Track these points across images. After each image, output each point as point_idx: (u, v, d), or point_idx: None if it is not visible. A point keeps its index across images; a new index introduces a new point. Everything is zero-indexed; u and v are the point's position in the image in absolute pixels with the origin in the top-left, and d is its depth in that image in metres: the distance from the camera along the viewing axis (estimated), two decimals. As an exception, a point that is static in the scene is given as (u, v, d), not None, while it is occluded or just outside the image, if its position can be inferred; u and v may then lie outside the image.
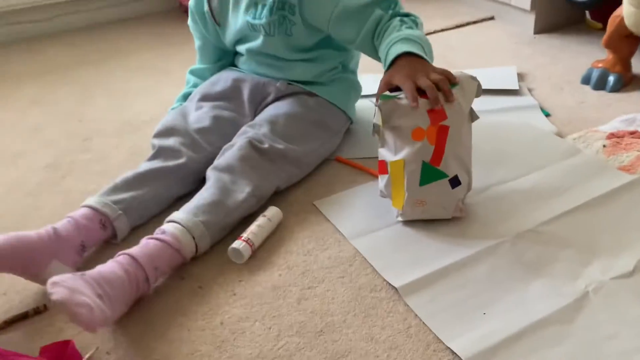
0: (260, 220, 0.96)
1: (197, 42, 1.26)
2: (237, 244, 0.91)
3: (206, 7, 1.16)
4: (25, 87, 1.66)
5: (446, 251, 0.90)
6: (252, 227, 0.94)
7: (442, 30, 1.84)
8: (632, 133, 1.14)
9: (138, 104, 1.51)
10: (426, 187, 0.91)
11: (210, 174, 1.00)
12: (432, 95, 0.86)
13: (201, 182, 1.01)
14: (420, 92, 0.88)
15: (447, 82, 0.88)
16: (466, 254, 0.88)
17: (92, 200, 0.93)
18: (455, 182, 0.92)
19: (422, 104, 0.88)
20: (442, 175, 0.91)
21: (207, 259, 0.93)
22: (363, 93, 1.33)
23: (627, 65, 1.38)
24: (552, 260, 0.86)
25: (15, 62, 1.87)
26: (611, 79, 1.35)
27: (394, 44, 0.95)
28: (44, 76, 1.73)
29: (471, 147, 0.95)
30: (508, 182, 1.05)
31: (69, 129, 1.40)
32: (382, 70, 0.97)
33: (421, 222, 0.96)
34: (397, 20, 1.00)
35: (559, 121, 1.24)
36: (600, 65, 1.39)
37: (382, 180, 0.96)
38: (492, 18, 1.89)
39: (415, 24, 1.01)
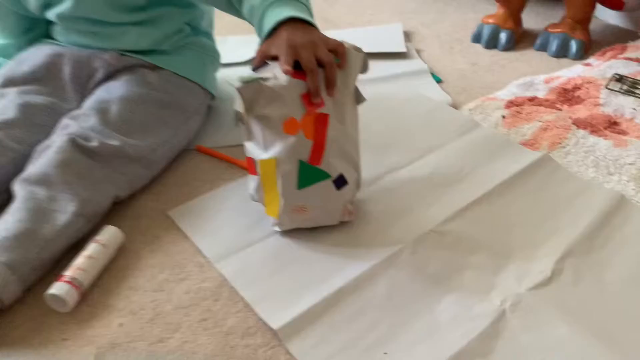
0: (91, 249, 0.72)
1: None
2: (57, 287, 0.67)
3: None
4: None
5: (335, 269, 0.72)
6: (79, 261, 0.70)
7: (318, -18, 1.62)
8: (531, 99, 1.02)
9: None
10: (306, 190, 0.72)
11: (19, 189, 0.73)
12: (313, 84, 0.66)
13: (7, 199, 0.75)
14: (298, 69, 0.67)
15: (335, 68, 0.68)
16: (359, 271, 0.71)
17: None
18: (340, 181, 0.73)
19: (295, 85, 0.67)
20: (324, 175, 0.71)
21: (17, 311, 0.68)
22: (226, 60, 1.10)
23: (518, 21, 1.26)
24: (460, 269, 0.71)
25: None
26: (503, 36, 1.23)
27: (272, 5, 0.73)
28: None
29: (358, 136, 0.76)
30: (402, 169, 0.89)
31: None
32: (251, 32, 0.73)
33: (303, 230, 0.77)
34: None
35: (451, 88, 1.10)
36: (490, 20, 1.25)
37: (251, 182, 0.75)
38: (371, -33, 1.70)
39: None
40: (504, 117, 0.98)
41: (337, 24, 1.37)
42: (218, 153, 0.93)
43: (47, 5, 0.87)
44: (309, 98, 0.67)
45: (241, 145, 0.76)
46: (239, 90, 0.68)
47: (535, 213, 0.80)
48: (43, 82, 0.87)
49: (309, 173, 0.70)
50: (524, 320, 0.65)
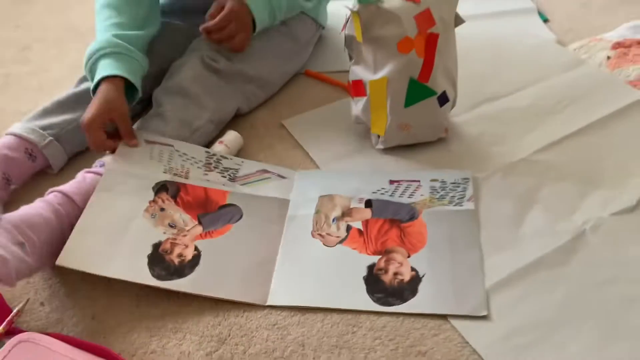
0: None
1: None
2: None
3: None
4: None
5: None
6: None
7: None
8: (641, 42, 1.01)
9: (84, 5, 1.32)
10: (412, 108, 0.79)
11: (160, 97, 0.86)
12: None
13: (149, 98, 0.87)
14: None
15: None
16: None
17: (16, 127, 0.80)
18: (443, 99, 0.80)
19: (409, 7, 0.73)
20: (431, 92, 0.78)
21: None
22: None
23: (638, -38, 1.21)
24: (547, 192, 0.76)
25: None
26: (620, -24, 1.19)
27: None
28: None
29: (457, 56, 0.82)
30: (502, 98, 0.93)
31: (4, 36, 1.23)
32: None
33: (399, 148, 0.84)
34: None
35: (558, 27, 1.10)
36: (608, -39, 1.22)
37: (356, 103, 0.83)
38: None
39: None
40: (608, 57, 0.99)
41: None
42: (325, 76, 1.01)
43: None
44: (421, 18, 0.73)
45: (345, 71, 0.84)
46: (358, 12, 0.75)
47: (630, 149, 0.82)
48: (182, 12, 0.98)
49: (416, 91, 0.77)
50: (603, 239, 0.69)
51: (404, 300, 0.65)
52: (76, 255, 0.66)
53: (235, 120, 0.91)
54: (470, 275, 0.66)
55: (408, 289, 0.66)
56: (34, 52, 1.17)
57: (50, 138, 0.80)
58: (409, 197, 0.76)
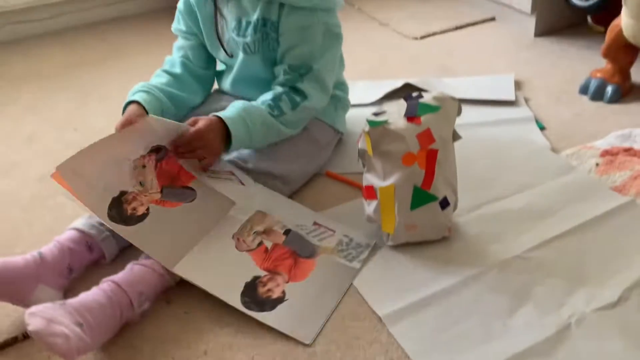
0: None
1: (183, 42, 1.19)
2: None
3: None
4: (21, 91, 1.66)
5: (432, 278, 0.89)
6: None
7: (442, 31, 1.81)
8: (627, 150, 1.13)
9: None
10: (417, 211, 0.91)
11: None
12: None
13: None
14: (411, 115, 0.88)
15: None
16: (452, 280, 0.88)
17: (79, 223, 0.94)
18: (444, 203, 0.92)
19: (412, 128, 0.88)
20: (433, 198, 0.91)
21: (194, 282, 0.93)
22: (355, 102, 1.32)
23: (626, 76, 1.35)
24: (538, 288, 0.86)
25: (11, 64, 1.87)
26: (609, 89, 1.33)
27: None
28: (40, 80, 1.73)
29: (456, 167, 0.95)
30: (500, 200, 1.05)
31: (64, 138, 1.41)
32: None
33: (408, 245, 0.96)
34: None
35: (553, 135, 1.23)
36: (598, 74, 1.37)
37: (369, 205, 0.96)
38: (492, 19, 1.86)
39: (294, 104, 1.05)
40: (597, 164, 1.10)
41: (455, 71, 1.55)
42: (344, 177, 1.15)
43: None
44: (423, 136, 0.87)
45: (362, 173, 0.98)
46: (368, 132, 0.89)
47: (614, 249, 0.92)
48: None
49: (420, 196, 0.90)
50: (586, 333, 0.78)
51: (261, 310, 0.84)
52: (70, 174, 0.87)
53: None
54: (319, 314, 0.84)
55: (269, 303, 0.85)
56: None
57: (107, 233, 0.94)
58: (318, 240, 0.96)
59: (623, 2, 1.22)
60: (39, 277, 0.86)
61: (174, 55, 1.19)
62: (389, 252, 0.96)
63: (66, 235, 0.92)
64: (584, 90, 1.38)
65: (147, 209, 0.91)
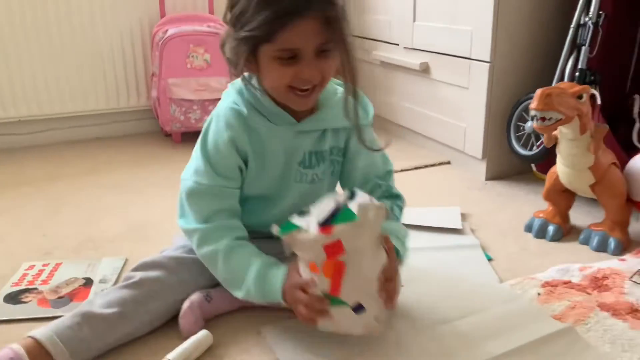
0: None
1: (222, 199, 1.05)
2: None
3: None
4: (-2, 197, 1.71)
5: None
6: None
7: (402, 170, 1.97)
8: (566, 283, 1.22)
9: (104, 221, 1.56)
10: (334, 309, 0.93)
11: None
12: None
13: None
14: (325, 225, 0.88)
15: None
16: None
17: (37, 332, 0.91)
18: (358, 308, 0.92)
19: (319, 239, 0.88)
20: (343, 303, 0.92)
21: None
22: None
23: (565, 217, 1.48)
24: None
25: (-8, 172, 1.94)
26: (550, 229, 1.45)
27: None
28: (19, 187, 1.79)
29: (376, 275, 0.93)
30: (446, 323, 1.09)
31: (31, 242, 1.43)
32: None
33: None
34: (389, 202, 1.12)
35: (500, 266, 1.32)
36: (541, 215, 1.49)
37: None
38: (448, 163, 2.04)
39: (401, 209, 1.14)
40: (539, 294, 1.18)
41: (409, 204, 1.66)
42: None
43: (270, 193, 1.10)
44: (330, 249, 0.88)
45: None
46: (279, 236, 0.91)
47: (552, 373, 0.96)
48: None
49: (332, 299, 0.92)
50: None
51: None
52: None
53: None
54: None
55: None
56: (53, 257, 1.36)
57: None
58: None
59: (557, 152, 1.38)
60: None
61: (215, 215, 1.04)
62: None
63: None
64: (528, 228, 1.49)
65: None
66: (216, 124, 1.03)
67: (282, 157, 1.06)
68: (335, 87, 1.10)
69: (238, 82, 1.04)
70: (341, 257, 0.90)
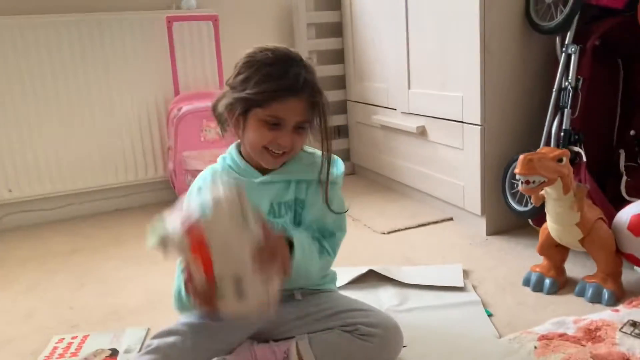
0: None
1: None
2: None
3: None
4: (25, 272, 1.83)
5: None
6: None
7: (406, 228, 2.06)
8: (561, 335, 1.28)
9: (126, 292, 1.66)
10: (220, 299, 0.98)
11: None
12: None
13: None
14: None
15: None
16: None
17: None
18: (239, 289, 0.96)
19: (182, 238, 0.94)
20: (223, 285, 0.96)
21: None
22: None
23: (560, 270, 1.56)
24: None
25: (19, 247, 2.08)
26: (547, 282, 1.53)
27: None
28: (43, 263, 1.92)
29: (247, 254, 0.96)
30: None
31: (59, 315, 1.54)
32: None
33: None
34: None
35: (500, 322, 1.39)
36: (537, 269, 1.57)
37: None
38: (451, 219, 2.13)
39: (328, 253, 1.20)
40: (535, 347, 1.25)
41: (415, 262, 1.76)
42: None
43: None
44: (193, 244, 0.94)
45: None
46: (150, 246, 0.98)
47: None
48: None
49: (216, 290, 0.97)
50: None
51: None
52: None
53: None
54: None
55: None
56: (80, 330, 1.46)
57: None
58: None
59: (545, 210, 1.48)
60: None
61: None
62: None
63: None
64: (526, 282, 1.57)
65: None
66: (196, 180, 1.22)
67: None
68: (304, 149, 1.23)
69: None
70: (206, 247, 0.94)
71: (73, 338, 1.39)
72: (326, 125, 1.14)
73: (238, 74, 1.12)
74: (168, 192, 2.52)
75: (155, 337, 1.13)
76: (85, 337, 1.39)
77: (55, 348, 1.35)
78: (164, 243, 0.96)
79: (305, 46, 2.61)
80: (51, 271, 1.84)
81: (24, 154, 2.27)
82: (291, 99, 1.08)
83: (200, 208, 0.94)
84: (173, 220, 0.96)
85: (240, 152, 1.20)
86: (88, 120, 2.35)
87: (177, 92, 2.42)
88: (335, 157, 1.22)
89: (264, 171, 1.18)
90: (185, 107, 2.27)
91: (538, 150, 1.43)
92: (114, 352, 1.31)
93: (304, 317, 1.19)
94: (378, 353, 1.11)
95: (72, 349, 1.34)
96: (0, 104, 2.21)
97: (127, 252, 1.96)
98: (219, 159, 1.24)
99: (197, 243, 0.94)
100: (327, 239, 1.21)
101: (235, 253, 0.96)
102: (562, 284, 1.54)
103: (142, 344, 1.34)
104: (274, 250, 1.01)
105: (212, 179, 1.07)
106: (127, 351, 1.31)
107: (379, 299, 1.50)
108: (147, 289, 1.66)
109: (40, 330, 1.46)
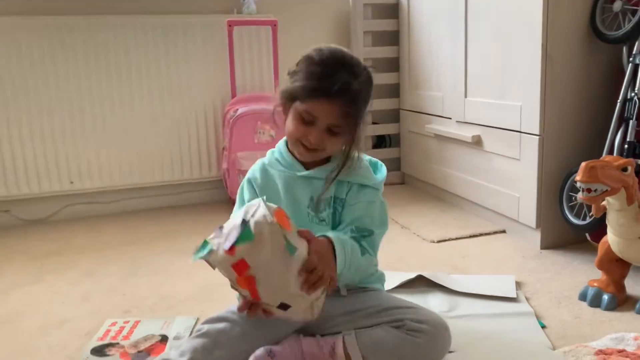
0: None
1: None
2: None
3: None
4: (82, 259, 1.90)
5: None
6: None
7: (457, 238, 2.03)
8: (620, 351, 1.23)
9: (176, 283, 1.69)
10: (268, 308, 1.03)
11: None
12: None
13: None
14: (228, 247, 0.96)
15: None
16: None
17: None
18: (283, 306, 1.02)
19: (226, 260, 0.97)
20: (269, 304, 1.02)
21: None
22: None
23: (619, 287, 1.49)
24: None
25: (77, 236, 2.15)
26: (605, 298, 1.46)
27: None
28: (98, 252, 1.98)
29: (291, 276, 0.99)
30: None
31: (113, 301, 1.58)
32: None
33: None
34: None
35: (553, 334, 1.34)
36: (595, 284, 1.51)
37: None
38: (503, 231, 2.08)
39: (368, 252, 1.18)
40: (592, 361, 1.20)
41: (464, 271, 1.72)
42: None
43: None
44: (237, 267, 0.97)
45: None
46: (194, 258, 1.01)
47: None
48: None
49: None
50: None
51: None
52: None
53: None
54: None
55: None
56: (132, 314, 1.50)
57: None
58: None
59: (607, 222, 1.42)
60: None
61: None
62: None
63: None
64: (582, 297, 1.51)
65: None
66: (247, 174, 1.28)
67: (283, 194, 1.21)
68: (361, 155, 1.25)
69: None
70: (249, 272, 0.97)
71: (125, 322, 1.43)
72: (353, 136, 1.16)
73: (296, 65, 1.17)
74: (220, 191, 2.57)
75: (206, 322, 1.14)
76: (137, 322, 1.43)
77: (108, 331, 1.39)
78: (210, 264, 1.00)
79: (361, 53, 2.63)
80: (106, 260, 1.90)
81: (87, 150, 2.37)
82: (324, 100, 1.10)
83: (243, 236, 0.96)
84: (218, 243, 0.98)
85: (287, 146, 1.23)
86: (148, 119, 2.43)
87: (234, 95, 2.47)
88: (379, 163, 1.26)
89: (307, 166, 1.21)
90: (241, 109, 2.32)
91: (601, 158, 1.38)
92: (164, 338, 1.34)
93: (351, 313, 1.18)
94: (425, 350, 1.09)
95: (124, 333, 1.37)
96: (69, 103, 2.31)
97: (179, 247, 2.00)
98: (268, 153, 1.28)
99: (239, 267, 0.97)
100: (366, 238, 1.21)
101: (277, 275, 0.99)
102: (621, 301, 1.48)
103: (191, 332, 1.37)
104: (320, 266, 1.02)
105: (248, 203, 1.06)
106: (176, 337, 1.34)
107: (428, 304, 1.47)
108: (197, 282, 1.69)
109: (94, 313, 1.51)
